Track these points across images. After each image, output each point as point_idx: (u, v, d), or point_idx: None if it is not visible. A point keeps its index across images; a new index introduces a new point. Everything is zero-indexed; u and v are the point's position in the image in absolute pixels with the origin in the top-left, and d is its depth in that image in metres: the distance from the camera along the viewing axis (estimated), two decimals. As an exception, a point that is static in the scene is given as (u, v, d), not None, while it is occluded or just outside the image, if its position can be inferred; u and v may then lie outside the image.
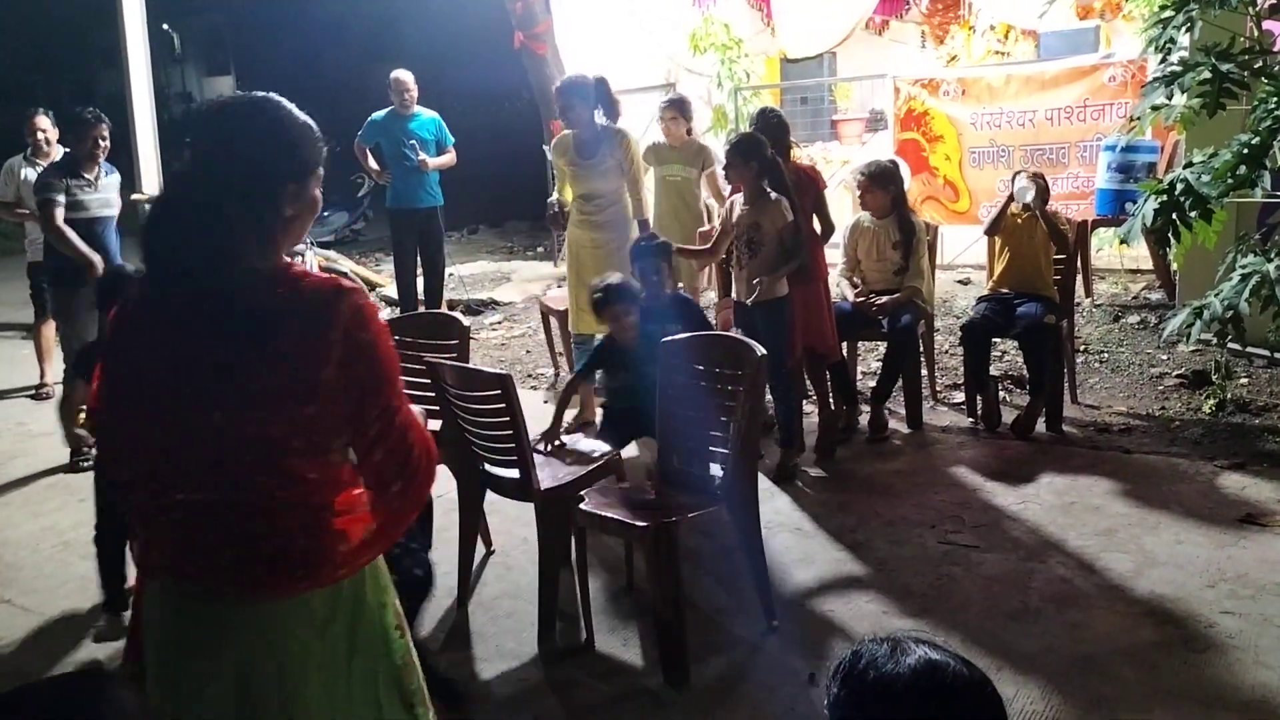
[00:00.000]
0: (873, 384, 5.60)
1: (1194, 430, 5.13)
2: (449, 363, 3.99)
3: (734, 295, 5.14)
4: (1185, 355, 6.11)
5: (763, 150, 4.87)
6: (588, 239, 5.57)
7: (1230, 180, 3.89)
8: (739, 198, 4.94)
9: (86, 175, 5.82)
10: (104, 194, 5.92)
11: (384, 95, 7.79)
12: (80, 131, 5.81)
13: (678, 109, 6.34)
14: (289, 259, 1.85)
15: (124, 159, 7.55)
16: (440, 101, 8.18)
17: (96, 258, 5.63)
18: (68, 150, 5.95)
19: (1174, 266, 6.78)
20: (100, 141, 5.79)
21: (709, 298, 7.21)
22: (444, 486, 4.61)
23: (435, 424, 4.18)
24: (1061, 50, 8.36)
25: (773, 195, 4.82)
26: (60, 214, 5.70)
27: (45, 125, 7.22)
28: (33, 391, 7.27)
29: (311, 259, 8.27)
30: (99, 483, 4.00)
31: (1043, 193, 5.42)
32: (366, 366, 1.77)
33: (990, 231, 5.60)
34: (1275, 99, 3.81)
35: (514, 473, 3.72)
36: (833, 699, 1.32)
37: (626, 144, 5.53)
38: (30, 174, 7.18)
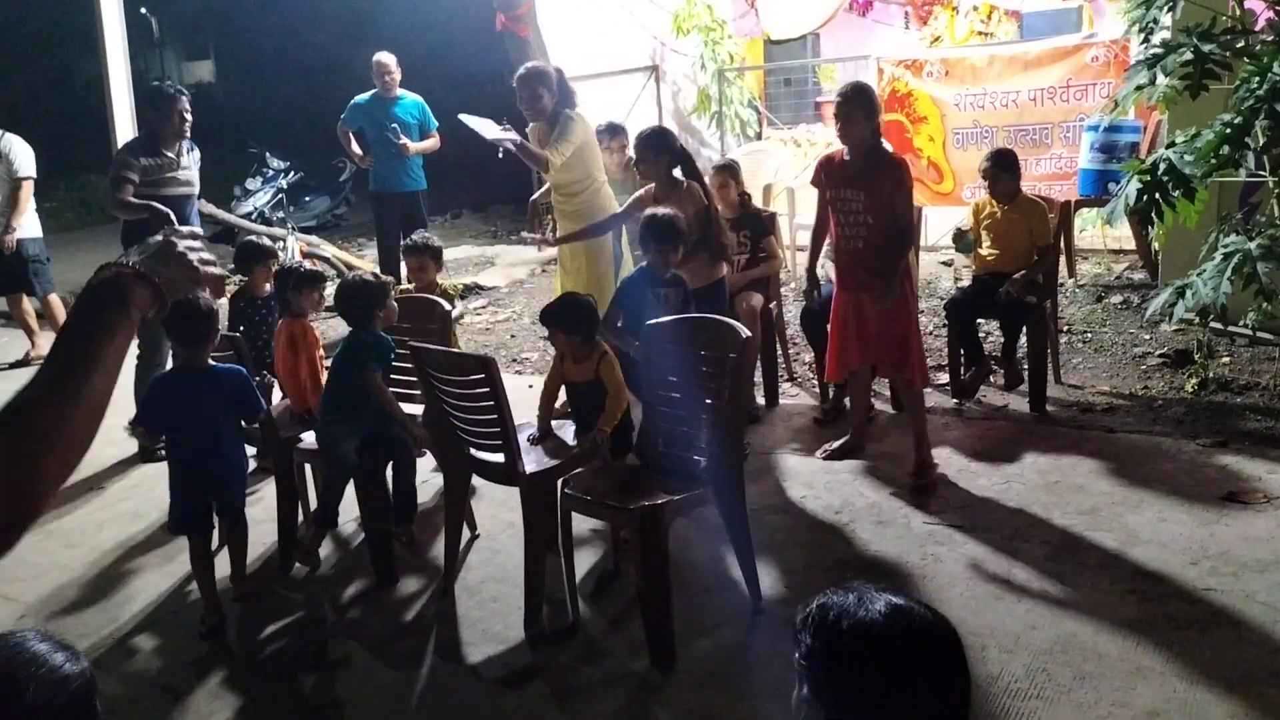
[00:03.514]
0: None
1: (1176, 409, 5.15)
2: (433, 347, 3.97)
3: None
4: (1168, 335, 6.13)
5: (672, 142, 4.98)
6: (562, 229, 5.48)
7: (1213, 160, 3.89)
8: (651, 187, 4.96)
9: (168, 153, 5.42)
10: (186, 172, 5.54)
11: (366, 78, 7.74)
12: (162, 107, 5.41)
13: (621, 136, 5.98)
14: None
15: (103, 145, 7.49)
16: (422, 84, 8.13)
17: (161, 207, 5.21)
18: (146, 128, 5.53)
19: (1156, 246, 6.80)
20: (185, 116, 5.41)
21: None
22: (429, 472, 4.63)
23: (418, 408, 4.20)
24: (1044, 30, 8.37)
25: (685, 183, 4.90)
26: (129, 192, 5.29)
27: None
28: (21, 359, 7.29)
29: (293, 244, 8.22)
30: None
31: (1009, 184, 5.36)
32: None
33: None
34: (1257, 79, 3.82)
35: (499, 457, 3.71)
36: (807, 650, 1.37)
37: (574, 127, 5.21)
38: None
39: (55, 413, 1.23)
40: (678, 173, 4.96)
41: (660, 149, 4.90)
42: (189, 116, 5.47)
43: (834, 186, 4.56)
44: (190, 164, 5.59)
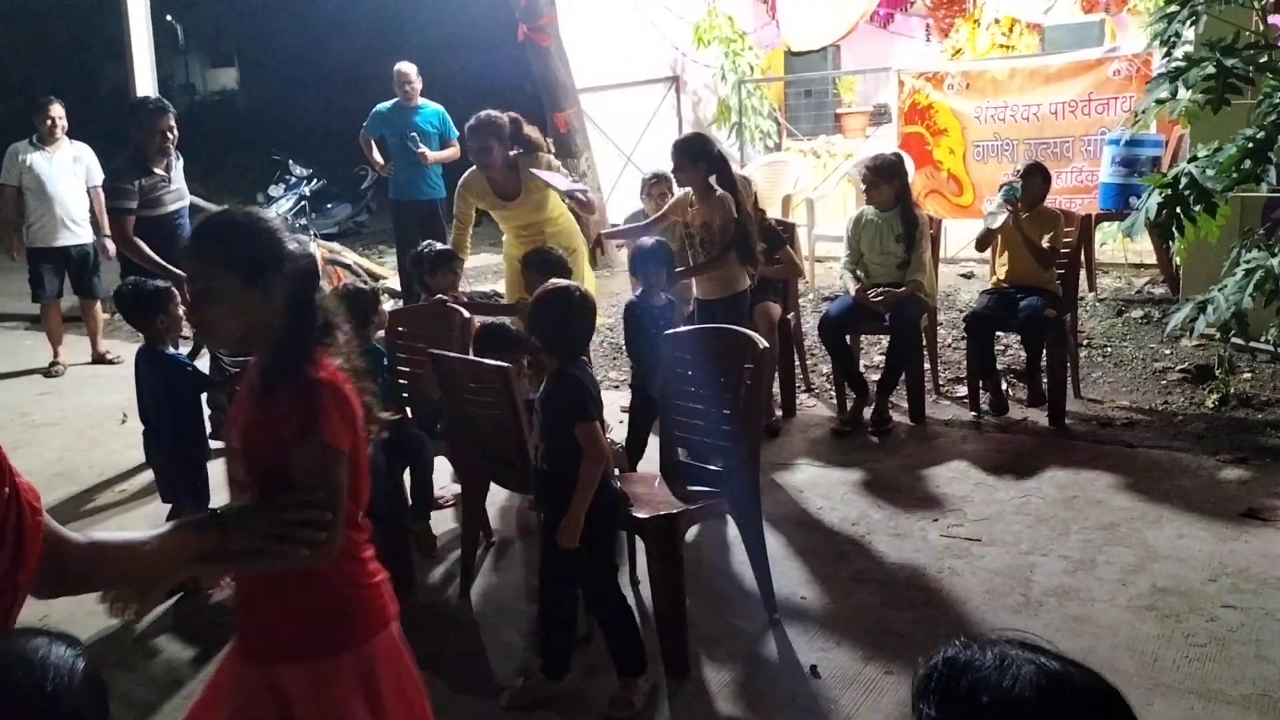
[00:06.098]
0: (876, 377, 5.60)
1: (1196, 425, 5.12)
2: (452, 355, 3.99)
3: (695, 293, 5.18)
4: (1188, 350, 6.10)
5: (710, 149, 4.99)
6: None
7: (1235, 175, 3.88)
8: (690, 191, 5.01)
9: (157, 170, 5.40)
10: (176, 185, 5.53)
11: (388, 87, 7.80)
12: (148, 123, 5.35)
13: (664, 184, 5.79)
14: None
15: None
16: (443, 94, 8.19)
17: (174, 270, 4.96)
18: (134, 144, 5.44)
19: (1177, 261, 6.77)
20: (169, 133, 5.38)
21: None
22: (445, 478, 4.64)
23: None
24: (1066, 44, 8.36)
25: (718, 192, 4.93)
26: (131, 224, 5.28)
27: (60, 113, 7.32)
28: (44, 370, 7.34)
29: (315, 251, 8.29)
30: None
31: (1039, 190, 5.39)
32: None
33: (980, 247, 5.65)
34: (1280, 93, 3.80)
35: (514, 465, 3.72)
36: None
37: (538, 163, 5.26)
38: (35, 159, 7.23)
39: (79, 575, 1.77)
40: (713, 180, 4.96)
41: (698, 155, 4.92)
42: (173, 134, 5.41)
43: None
44: (178, 175, 5.57)
